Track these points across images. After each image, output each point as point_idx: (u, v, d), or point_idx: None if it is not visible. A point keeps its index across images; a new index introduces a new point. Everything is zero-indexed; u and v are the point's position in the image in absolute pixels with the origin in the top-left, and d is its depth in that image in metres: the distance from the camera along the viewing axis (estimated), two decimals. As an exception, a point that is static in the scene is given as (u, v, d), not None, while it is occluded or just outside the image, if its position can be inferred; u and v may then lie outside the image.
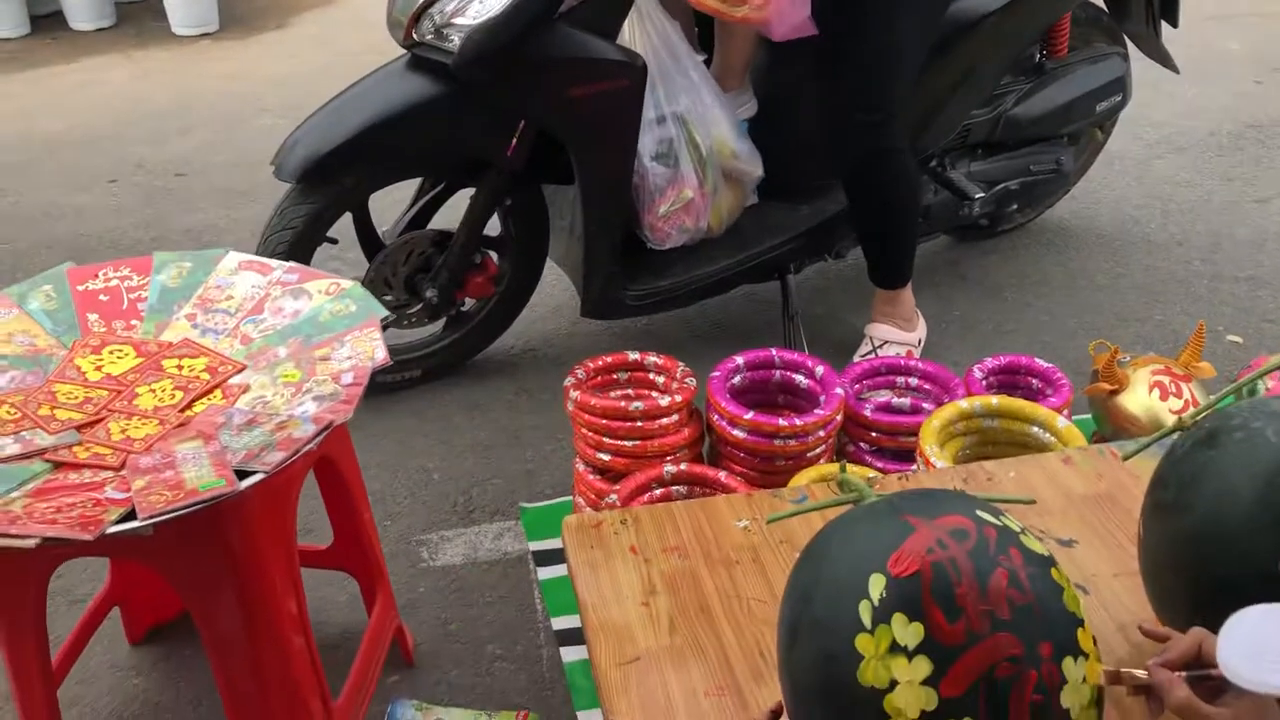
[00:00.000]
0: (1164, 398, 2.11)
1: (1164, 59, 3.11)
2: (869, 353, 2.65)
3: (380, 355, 1.54)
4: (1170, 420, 2.08)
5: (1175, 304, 2.99)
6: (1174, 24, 3.07)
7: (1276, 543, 1.08)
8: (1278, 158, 3.80)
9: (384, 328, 1.61)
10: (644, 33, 2.39)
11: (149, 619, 1.99)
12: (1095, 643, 1.02)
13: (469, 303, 2.70)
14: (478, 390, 2.69)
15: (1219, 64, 4.51)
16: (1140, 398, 2.12)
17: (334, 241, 2.53)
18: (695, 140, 2.46)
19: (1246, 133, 3.97)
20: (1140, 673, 1.05)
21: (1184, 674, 1.02)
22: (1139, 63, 3.15)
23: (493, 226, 2.63)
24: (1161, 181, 3.65)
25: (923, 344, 2.73)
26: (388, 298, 2.52)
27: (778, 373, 2.20)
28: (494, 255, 2.63)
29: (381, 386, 2.61)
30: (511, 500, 2.33)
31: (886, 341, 2.66)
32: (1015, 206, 2.98)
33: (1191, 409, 2.09)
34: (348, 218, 2.52)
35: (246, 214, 3.53)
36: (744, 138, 2.57)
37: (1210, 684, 1.01)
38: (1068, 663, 0.97)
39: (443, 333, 2.72)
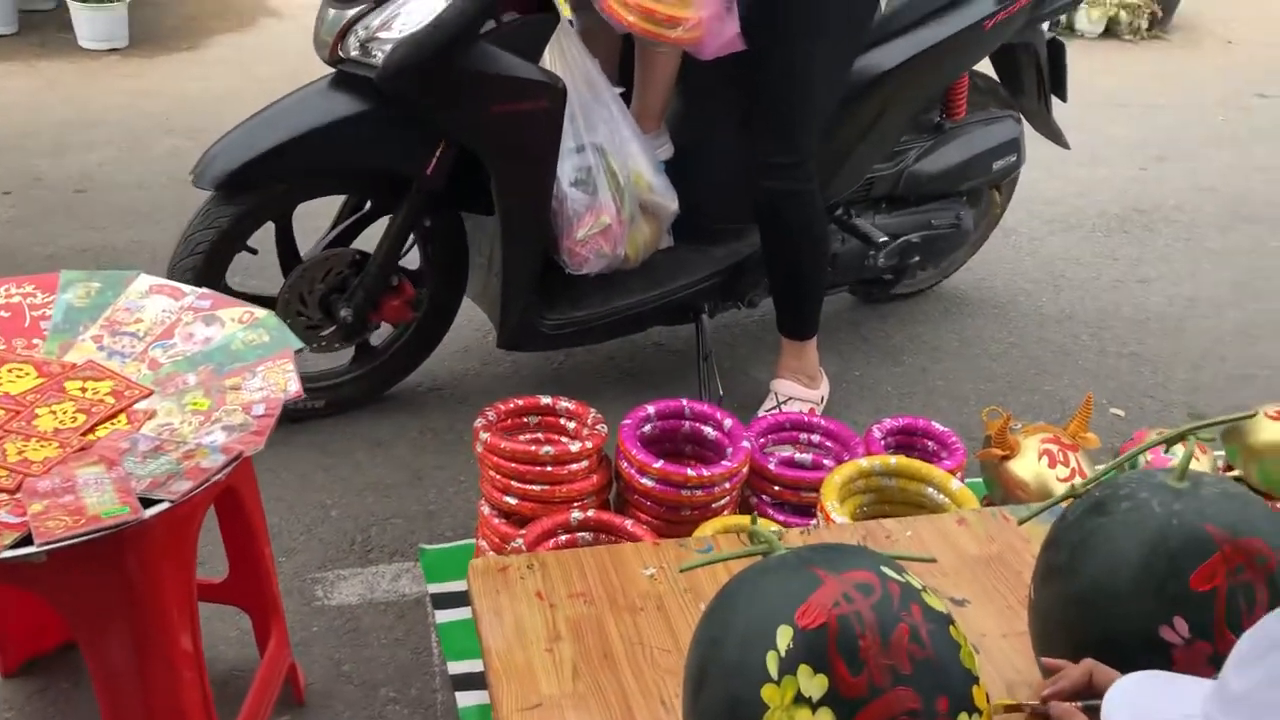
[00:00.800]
0: (1052, 465, 2.20)
1: (1055, 135, 3.32)
2: (773, 408, 2.71)
3: (293, 388, 1.52)
4: (1057, 487, 2.17)
5: (1064, 376, 3.12)
6: (1063, 99, 3.27)
7: (1159, 607, 1.15)
8: (1159, 241, 4.02)
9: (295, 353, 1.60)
10: (565, 64, 2.45)
11: (26, 650, 1.91)
12: (988, 700, 1.06)
13: (383, 331, 2.69)
14: (382, 427, 2.66)
15: (1107, 149, 4.76)
16: (1030, 464, 2.21)
17: (253, 251, 2.51)
18: (613, 169, 2.51)
19: (1132, 215, 4.19)
20: (1036, 705, 1.10)
21: (1079, 705, 1.07)
22: (1035, 144, 3.31)
23: (413, 260, 2.63)
24: (1054, 258, 3.82)
25: (825, 401, 2.80)
26: (301, 316, 2.50)
27: (687, 423, 2.24)
28: (410, 283, 2.63)
29: (283, 415, 2.56)
30: (411, 541, 2.31)
31: (791, 398, 2.72)
32: (917, 259, 3.10)
33: (1078, 478, 2.19)
34: (269, 234, 2.49)
35: (148, 236, 3.45)
36: (660, 173, 2.65)
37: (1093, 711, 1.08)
38: (962, 718, 1.00)
39: (350, 365, 2.70)
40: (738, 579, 1.11)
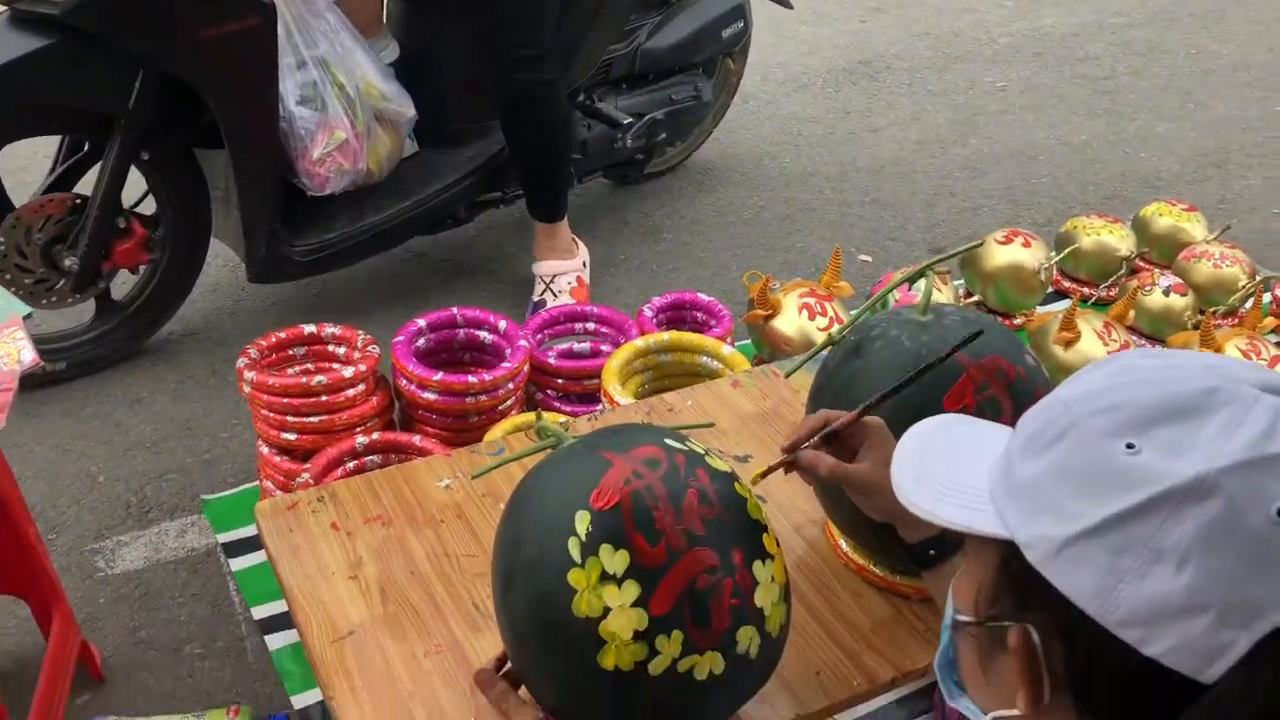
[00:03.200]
0: (812, 317, 2.32)
1: None
2: (544, 291, 2.72)
3: (28, 356, 1.41)
4: (818, 336, 2.30)
5: (813, 231, 3.27)
6: None
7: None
8: (884, 90, 4.22)
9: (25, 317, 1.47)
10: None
11: None
12: (778, 544, 1.12)
13: (126, 285, 2.50)
14: (137, 383, 2.51)
15: (827, 5, 4.92)
16: (792, 320, 2.33)
17: None
18: (340, 82, 2.42)
19: (858, 68, 4.38)
20: (786, 460, 1.19)
21: (818, 439, 1.16)
22: (761, 9, 3.39)
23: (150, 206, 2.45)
24: (790, 118, 3.95)
25: (588, 265, 2.84)
26: (24, 271, 2.30)
27: (461, 331, 2.22)
28: (141, 223, 2.45)
29: (23, 384, 2.37)
30: (191, 494, 2.20)
31: (556, 275, 2.73)
32: (664, 135, 3.16)
33: (836, 325, 2.32)
34: None
35: None
36: (391, 79, 2.56)
37: (840, 442, 1.17)
38: (757, 565, 1.06)
39: (93, 322, 2.51)
40: (530, 475, 1.12)
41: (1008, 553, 0.72)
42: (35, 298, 2.32)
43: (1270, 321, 2.49)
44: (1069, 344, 2.36)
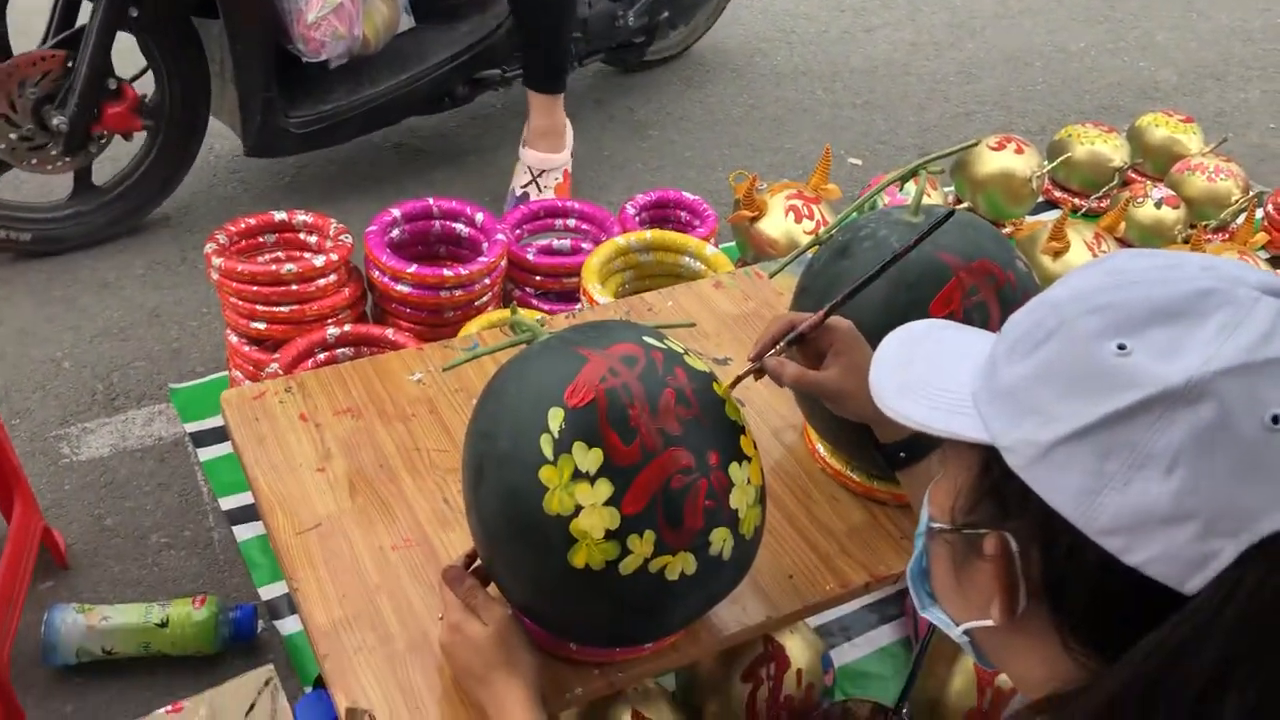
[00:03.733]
0: (798, 220, 2.27)
1: None
2: (528, 184, 2.66)
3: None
4: (804, 240, 2.25)
5: (802, 132, 3.19)
6: None
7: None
8: (881, -11, 4.10)
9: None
10: None
11: None
12: (755, 447, 1.09)
13: (107, 170, 2.42)
14: (104, 267, 2.44)
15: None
16: (777, 222, 2.27)
17: None
18: None
19: (854, -35, 4.24)
20: (753, 368, 1.15)
21: (783, 344, 1.13)
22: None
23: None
24: (784, 14, 3.84)
25: (571, 151, 2.76)
26: (11, 126, 2.23)
27: (437, 223, 2.15)
28: (136, 90, 2.37)
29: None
30: (159, 382, 2.16)
31: (544, 170, 2.67)
32: (666, 14, 3.07)
33: (823, 228, 2.27)
34: None
35: None
36: None
37: (814, 350, 1.14)
38: (733, 467, 1.03)
39: (68, 200, 2.43)
40: (503, 369, 1.08)
41: (988, 458, 0.69)
42: (18, 155, 2.26)
43: (1261, 237, 2.46)
44: (1057, 254, 2.32)
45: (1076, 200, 2.86)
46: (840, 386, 1.11)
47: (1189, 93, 3.59)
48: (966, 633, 0.76)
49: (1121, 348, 0.63)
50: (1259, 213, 2.75)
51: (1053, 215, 2.79)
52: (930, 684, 1.53)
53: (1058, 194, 2.90)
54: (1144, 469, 0.61)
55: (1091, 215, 2.80)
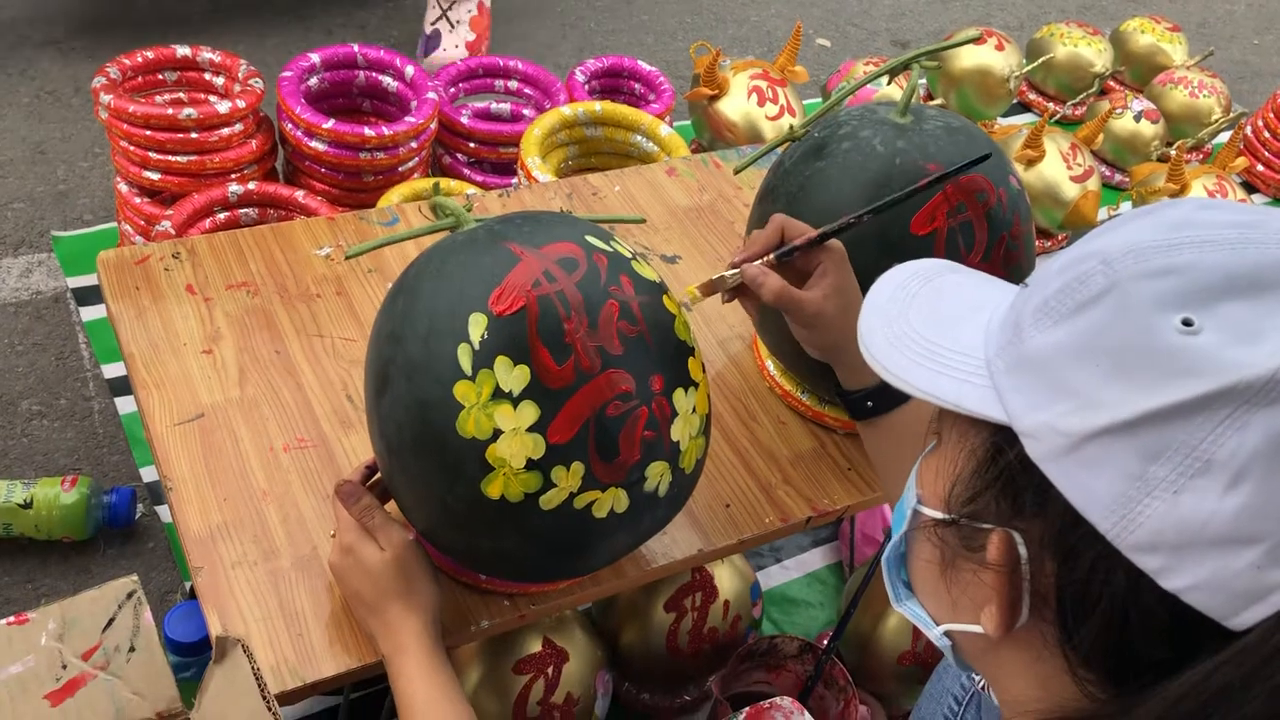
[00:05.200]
0: (761, 103, 2.09)
1: None
2: (438, 19, 2.36)
3: None
4: (766, 126, 2.07)
5: (770, 5, 2.98)
6: None
7: (877, 255, 1.06)
8: None
9: None
10: None
11: None
12: (704, 370, 0.96)
13: None
14: (-15, 91, 2.18)
15: None
16: (739, 103, 2.09)
17: None
18: None
19: None
20: (731, 274, 1.01)
21: (770, 257, 0.99)
22: None
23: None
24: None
25: None
26: None
27: (361, 73, 1.93)
28: None
29: None
30: (40, 229, 1.94)
31: (455, 2, 2.39)
32: None
33: (788, 115, 2.10)
34: None
35: None
36: None
37: (795, 269, 1.00)
38: (679, 395, 0.90)
39: None
40: (419, 261, 0.92)
41: (1000, 441, 0.57)
42: None
43: (1241, 162, 2.34)
44: (1031, 163, 2.18)
45: (1052, 106, 2.72)
46: (820, 309, 0.97)
47: None
48: (947, 634, 0.64)
49: (1187, 324, 0.51)
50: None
51: (1026, 120, 2.65)
52: (863, 621, 1.45)
53: (1032, 97, 2.75)
54: (1201, 478, 0.50)
55: (1066, 123, 2.66)
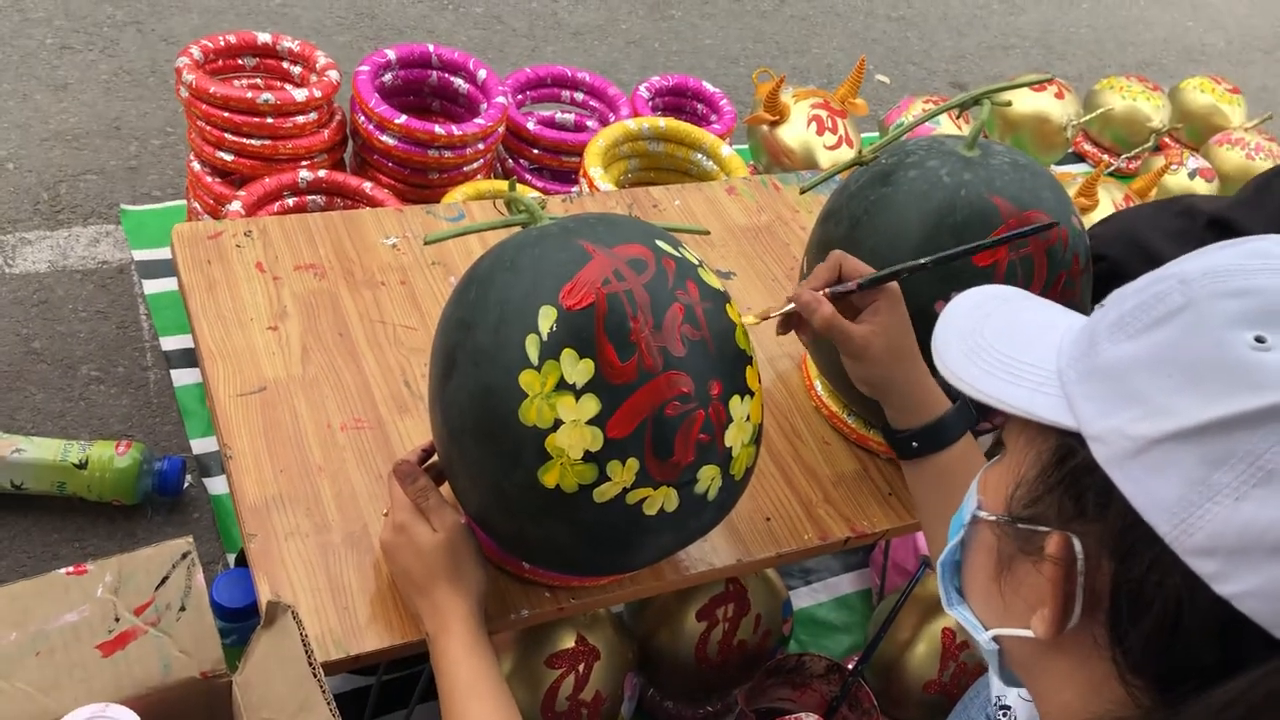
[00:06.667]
0: (820, 132, 2.11)
1: None
2: None
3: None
4: (823, 155, 2.10)
5: (833, 39, 3.01)
6: None
7: (937, 283, 1.08)
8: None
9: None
10: None
11: None
12: (760, 381, 0.98)
13: None
14: (64, 66, 2.24)
15: None
16: (798, 130, 2.12)
17: None
18: None
19: None
20: (788, 306, 1.03)
21: (826, 291, 1.01)
22: None
23: None
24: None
25: None
26: None
27: (434, 73, 1.97)
28: None
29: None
30: (110, 201, 1.99)
31: None
32: None
33: (845, 145, 2.12)
34: None
35: None
36: None
37: (849, 303, 1.02)
38: (734, 401, 0.92)
39: None
40: (494, 253, 0.95)
41: (1068, 446, 0.58)
42: None
43: (1293, 227, 2.33)
44: (1084, 211, 2.19)
45: (1106, 157, 2.72)
46: (868, 343, 0.99)
47: (1235, 61, 3.43)
48: (996, 639, 0.66)
49: (1260, 340, 0.53)
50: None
51: (1080, 169, 2.66)
52: (890, 647, 1.45)
53: (1087, 147, 2.76)
54: (1263, 486, 0.51)
55: (1120, 176, 2.67)
